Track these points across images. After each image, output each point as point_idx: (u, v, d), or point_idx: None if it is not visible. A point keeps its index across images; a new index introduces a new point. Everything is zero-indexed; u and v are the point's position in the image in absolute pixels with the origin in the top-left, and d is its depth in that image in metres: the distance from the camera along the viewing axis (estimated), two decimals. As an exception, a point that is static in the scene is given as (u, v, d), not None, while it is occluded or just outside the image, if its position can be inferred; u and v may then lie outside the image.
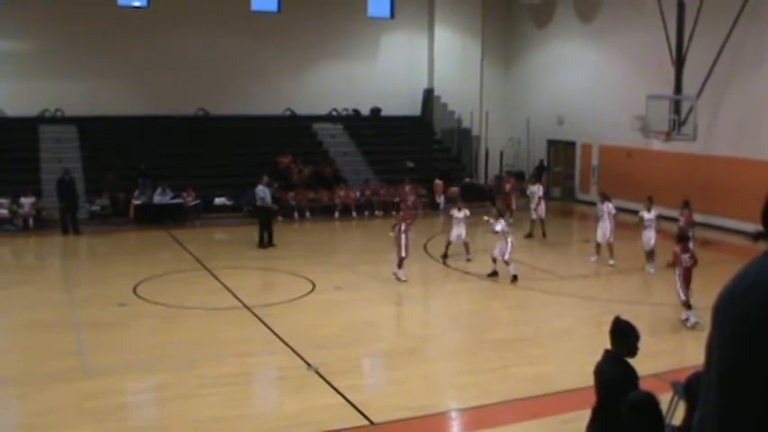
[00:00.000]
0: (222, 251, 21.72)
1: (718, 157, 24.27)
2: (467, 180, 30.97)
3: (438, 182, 29.06)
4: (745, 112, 23.54)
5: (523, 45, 34.29)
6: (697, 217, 20.61)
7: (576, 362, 11.30)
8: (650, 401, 5.46)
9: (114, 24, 29.01)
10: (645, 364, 6.99)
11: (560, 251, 22.37)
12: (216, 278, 17.62)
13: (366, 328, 14.26)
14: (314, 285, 16.95)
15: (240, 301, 15.55)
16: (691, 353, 12.18)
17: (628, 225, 20.63)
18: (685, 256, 13.98)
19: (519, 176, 30.83)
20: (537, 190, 23.33)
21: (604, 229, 19.50)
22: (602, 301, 16.36)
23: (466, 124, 32.95)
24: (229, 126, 29.66)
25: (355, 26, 32.86)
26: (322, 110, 32.17)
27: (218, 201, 26.63)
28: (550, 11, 32.37)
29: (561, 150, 32.55)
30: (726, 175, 23.87)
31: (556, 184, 32.24)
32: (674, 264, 14.37)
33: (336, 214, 27.03)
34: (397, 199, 27.47)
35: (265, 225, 21.48)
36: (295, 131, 30.94)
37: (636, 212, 19.57)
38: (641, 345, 6.50)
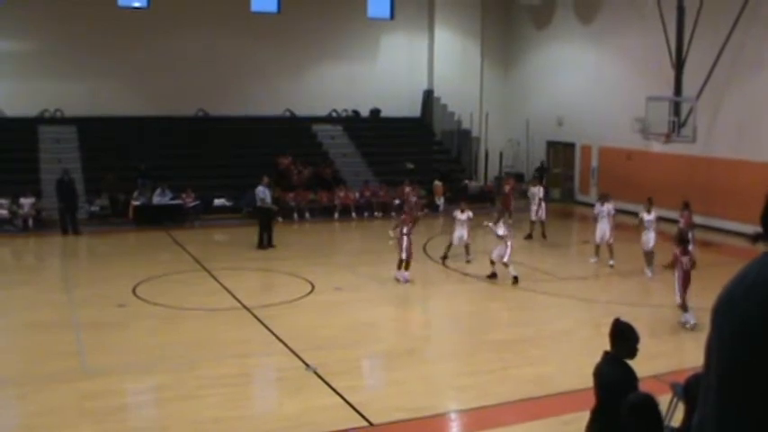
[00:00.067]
0: (221, 252, 21.72)
1: (718, 158, 24.28)
2: (466, 182, 30.98)
3: (437, 183, 29.07)
4: (744, 114, 23.55)
5: (523, 46, 34.30)
6: (697, 219, 20.62)
7: (575, 363, 11.30)
8: (649, 403, 5.46)
9: (114, 25, 29.02)
10: (644, 365, 7.00)
11: (560, 252, 22.38)
12: (215, 279, 17.62)
13: (365, 329, 14.26)
14: (313, 286, 16.95)
15: (239, 302, 15.55)
16: (690, 354, 12.19)
17: (627, 226, 20.63)
18: (685, 259, 13.98)
19: (518, 178, 30.86)
20: (538, 191, 23.31)
21: (603, 231, 19.51)
22: (601, 303, 16.38)
23: (465, 125, 32.96)
24: (229, 127, 29.67)
25: (355, 27, 32.86)
26: (322, 111, 32.17)
27: (218, 202, 26.63)
28: (550, 12, 32.38)
29: (561, 152, 32.55)
30: (725, 177, 23.88)
31: (555, 185, 32.23)
32: (672, 265, 14.36)
33: (336, 215, 27.03)
34: (397, 201, 27.44)
35: (265, 226, 21.48)
36: (295, 132, 30.95)
37: (636, 214, 19.57)
38: (641, 346, 6.51)
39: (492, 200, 28.91)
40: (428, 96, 33.84)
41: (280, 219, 24.31)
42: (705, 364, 1.95)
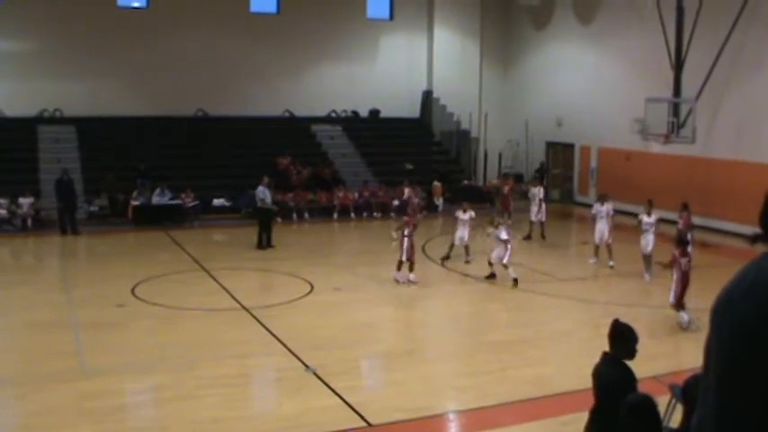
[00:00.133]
0: (221, 252, 21.71)
1: (717, 159, 24.30)
2: (465, 182, 30.99)
3: (437, 183, 29.07)
4: (744, 115, 23.56)
5: (522, 47, 34.31)
6: (696, 220, 20.62)
7: (574, 364, 11.29)
8: (648, 404, 5.46)
9: (113, 25, 29.01)
10: (643, 366, 7.01)
11: (559, 253, 22.38)
12: (214, 279, 17.62)
13: (364, 329, 14.27)
14: (312, 286, 16.95)
15: (238, 302, 15.55)
16: (689, 355, 12.19)
17: (626, 227, 20.63)
18: (684, 260, 13.99)
19: (518, 178, 30.87)
20: (538, 192, 23.30)
21: (602, 231, 19.50)
22: (600, 304, 16.39)
23: (465, 126, 32.97)
24: (228, 127, 29.67)
25: (354, 27, 32.87)
26: (321, 111, 32.17)
27: (217, 202, 26.62)
28: (549, 13, 32.39)
29: (560, 152, 32.56)
30: (725, 178, 23.89)
31: (554, 186, 32.25)
32: (670, 265, 14.38)
33: (335, 215, 27.02)
34: (396, 202, 27.46)
35: (265, 226, 21.48)
36: (294, 133, 30.96)
37: (635, 215, 19.54)
38: (639, 347, 6.52)
39: (491, 200, 28.90)
40: (427, 97, 33.85)
41: (279, 219, 24.30)
42: (704, 364, 1.96)
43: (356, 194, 27.89)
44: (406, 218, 18.38)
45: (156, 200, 25.41)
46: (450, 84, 32.95)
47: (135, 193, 25.35)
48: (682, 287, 13.85)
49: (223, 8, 30.46)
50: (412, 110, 33.80)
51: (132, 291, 16.30)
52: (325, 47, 32.06)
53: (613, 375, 6.31)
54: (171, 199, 25.55)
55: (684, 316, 13.78)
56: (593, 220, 19.99)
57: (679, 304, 13.87)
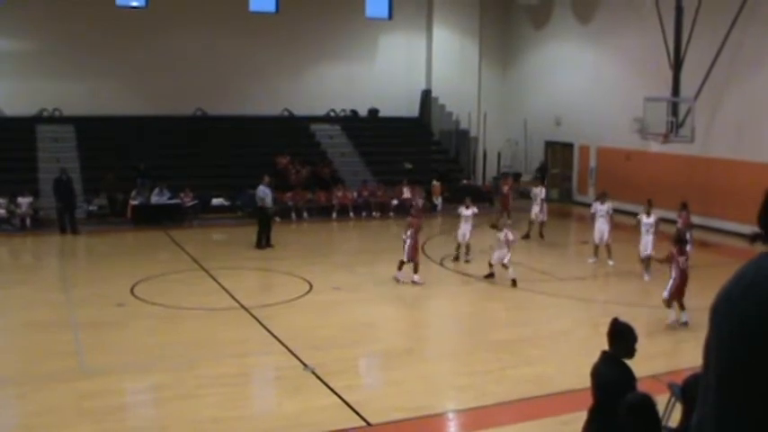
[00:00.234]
0: (220, 252, 21.70)
1: (716, 158, 24.31)
2: (464, 181, 30.99)
3: (436, 183, 29.07)
4: (743, 114, 23.57)
5: (521, 46, 34.32)
6: (695, 219, 20.60)
7: (573, 363, 11.30)
8: (647, 403, 5.47)
9: (113, 24, 29.01)
10: (642, 365, 7.01)
11: (558, 253, 22.39)
12: (214, 279, 17.61)
13: (364, 328, 14.27)
14: (311, 286, 16.95)
15: (238, 301, 15.55)
16: (688, 354, 12.19)
17: (625, 226, 20.63)
18: (682, 258, 14.00)
19: (516, 177, 30.87)
20: (540, 192, 23.30)
21: (602, 230, 19.50)
22: (599, 303, 16.41)
23: (464, 125, 32.98)
24: (228, 126, 29.67)
25: (353, 27, 32.86)
26: (320, 110, 32.17)
27: (216, 201, 26.60)
28: (548, 12, 32.40)
29: (559, 152, 32.57)
30: (724, 177, 23.89)
31: (554, 185, 32.24)
32: (668, 260, 14.42)
33: (334, 215, 27.01)
34: (395, 201, 27.48)
35: (264, 226, 21.47)
36: (293, 132, 30.95)
37: (635, 214, 19.53)
38: (639, 346, 6.52)
39: (490, 200, 28.90)
40: (426, 96, 33.84)
41: (278, 218, 24.28)
42: (704, 363, 1.96)
43: (355, 194, 27.88)
44: (409, 218, 18.28)
45: (155, 199, 25.40)
46: (449, 83, 32.95)
47: (134, 193, 25.33)
48: (678, 286, 13.86)
49: (222, 7, 30.45)
50: (411, 109, 33.80)
51: (132, 290, 16.30)
52: (325, 46, 32.06)
53: (612, 374, 6.31)
54: (170, 198, 25.54)
55: (672, 315, 13.86)
56: (593, 218, 19.98)
57: (670, 302, 13.91)
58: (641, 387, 6.29)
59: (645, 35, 25.84)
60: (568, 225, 28.27)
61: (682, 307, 13.96)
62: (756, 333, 1.78)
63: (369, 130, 32.36)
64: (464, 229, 19.43)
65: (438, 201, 28.54)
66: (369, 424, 9.59)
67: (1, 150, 25.67)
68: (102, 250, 22.15)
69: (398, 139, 32.23)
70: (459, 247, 19.61)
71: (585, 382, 6.53)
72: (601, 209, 19.68)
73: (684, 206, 19.65)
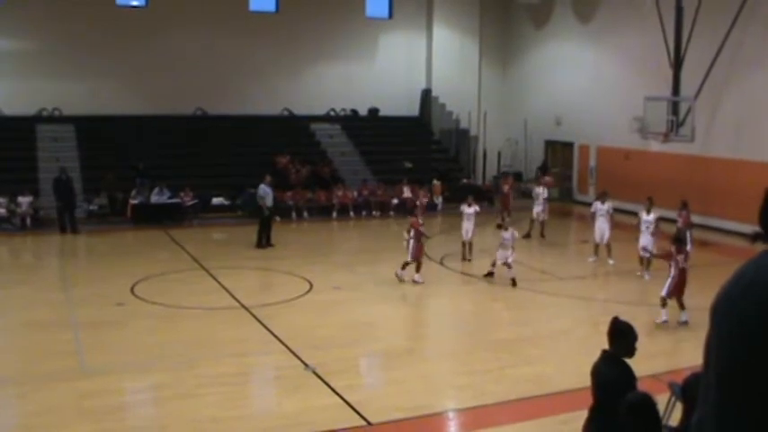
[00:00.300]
0: (220, 251, 21.70)
1: (717, 158, 24.30)
2: (464, 181, 30.99)
3: (436, 182, 29.06)
4: (743, 113, 23.57)
5: (521, 45, 34.31)
6: (695, 218, 20.60)
7: (573, 362, 11.29)
8: (648, 402, 5.46)
9: (112, 24, 29.00)
10: (642, 364, 7.00)
11: (558, 252, 22.40)
12: (213, 278, 17.61)
13: (364, 328, 14.27)
14: (311, 285, 16.95)
15: (238, 301, 15.55)
16: (688, 354, 12.19)
17: (626, 226, 20.61)
18: (681, 257, 13.99)
19: (517, 177, 30.87)
20: (542, 191, 23.32)
21: (602, 230, 19.49)
22: (599, 302, 16.42)
23: (464, 125, 32.97)
24: (227, 126, 29.65)
25: (353, 26, 32.86)
26: (320, 110, 32.17)
27: (216, 200, 26.60)
28: (548, 11, 32.39)
29: (559, 151, 32.57)
30: (724, 177, 23.89)
31: (554, 184, 32.21)
32: (664, 258, 14.44)
33: (334, 214, 27.00)
34: (395, 200, 27.48)
35: (265, 225, 21.46)
36: (293, 131, 30.95)
37: (635, 214, 19.51)
38: (639, 345, 6.51)
39: (490, 199, 28.89)
40: (426, 95, 33.84)
41: (278, 218, 24.27)
42: (704, 362, 1.96)
43: (355, 193, 27.88)
44: (412, 219, 18.17)
45: (155, 199, 25.40)
46: (449, 82, 32.94)
47: (134, 192, 25.33)
48: (676, 284, 13.86)
49: (222, 7, 30.45)
50: (411, 108, 33.80)
51: (132, 290, 16.30)
52: (325, 45, 32.06)
53: (612, 374, 6.30)
54: (170, 198, 25.53)
55: (663, 315, 13.88)
56: (593, 218, 19.97)
57: (667, 300, 13.91)
58: (641, 386, 6.29)
59: (645, 34, 25.83)
60: (568, 224, 28.27)
61: (681, 306, 13.97)
62: (756, 332, 1.78)
63: (369, 130, 32.35)
64: (466, 227, 19.43)
65: (438, 200, 28.52)
66: (369, 423, 9.58)
67: (1, 150, 25.66)
68: (102, 250, 22.15)
69: (398, 138, 32.22)
70: (464, 245, 19.60)
71: (585, 381, 6.53)
72: (601, 208, 19.67)
73: (685, 205, 19.65)
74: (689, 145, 23.75)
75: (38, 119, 28.15)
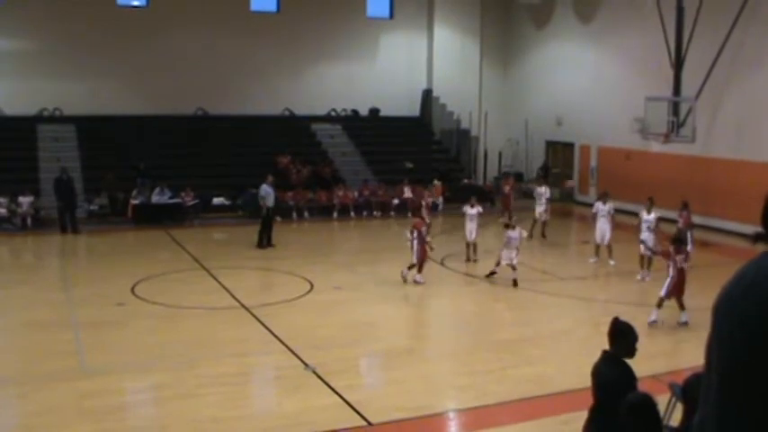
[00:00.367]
0: (220, 251, 21.71)
1: (717, 158, 24.29)
2: (465, 181, 30.99)
3: (437, 182, 29.06)
4: (744, 114, 23.56)
5: (522, 46, 34.31)
6: (696, 219, 20.58)
7: (574, 363, 11.29)
8: (648, 403, 5.46)
9: (113, 24, 29.02)
10: (642, 365, 7.00)
11: (559, 252, 22.40)
12: (214, 278, 17.61)
13: (364, 328, 14.27)
14: (312, 285, 16.95)
15: (238, 301, 15.55)
16: (688, 354, 12.19)
17: (626, 226, 20.60)
18: (679, 257, 13.98)
19: (518, 177, 30.87)
20: (545, 192, 23.33)
21: (603, 230, 19.47)
22: (600, 303, 16.41)
23: (465, 125, 32.97)
24: (228, 126, 29.67)
25: (354, 26, 32.86)
26: (321, 110, 32.18)
27: (217, 201, 26.61)
28: (549, 11, 32.39)
29: (560, 151, 32.57)
30: (725, 177, 23.88)
31: (554, 185, 32.21)
32: (662, 255, 14.44)
33: (335, 214, 27.01)
34: (396, 200, 27.48)
35: (267, 226, 21.46)
36: (294, 132, 30.96)
37: (635, 214, 19.49)
38: (639, 346, 6.51)
39: (491, 199, 28.88)
40: (427, 95, 33.84)
41: (278, 218, 24.26)
42: (706, 363, 1.96)
43: (356, 193, 27.88)
44: (416, 220, 18.04)
45: (155, 199, 25.41)
46: (450, 82, 32.95)
47: (135, 192, 25.34)
48: (675, 284, 13.84)
49: (223, 7, 30.46)
50: (412, 109, 33.80)
51: (132, 290, 16.30)
52: (325, 46, 32.06)
53: (613, 374, 6.30)
54: (171, 198, 25.54)
55: (654, 314, 13.88)
56: (594, 218, 19.95)
57: (664, 300, 13.90)
58: (642, 387, 6.28)
59: (646, 35, 25.83)
60: (569, 225, 28.28)
61: (681, 307, 13.96)
62: (756, 333, 1.78)
63: (370, 130, 32.36)
64: (470, 228, 19.40)
65: (439, 200, 28.51)
66: (369, 423, 9.58)
67: (2, 150, 25.67)
68: (102, 250, 22.16)
69: (399, 138, 32.22)
70: (468, 246, 19.57)
71: (586, 381, 6.53)
72: (602, 209, 19.65)
73: (685, 206, 19.63)
74: (690, 145, 23.74)
75: (39, 119, 28.17)
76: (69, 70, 28.44)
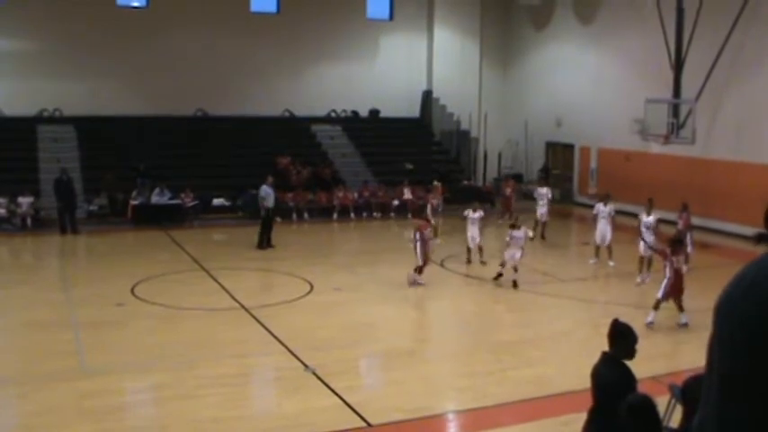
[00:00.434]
0: (220, 252, 21.70)
1: (717, 160, 24.29)
2: (465, 182, 30.98)
3: (437, 183, 29.02)
4: (743, 115, 23.56)
5: (522, 47, 34.32)
6: (695, 220, 20.57)
7: (574, 364, 11.28)
8: (648, 404, 5.47)
9: (113, 24, 29.02)
10: (642, 366, 7.00)
11: (560, 253, 22.40)
12: (214, 279, 17.61)
13: (364, 329, 14.27)
14: (312, 286, 16.95)
15: (238, 302, 15.55)
16: (688, 356, 12.19)
17: (626, 227, 20.61)
18: (676, 258, 13.96)
19: (517, 178, 30.87)
20: (546, 193, 23.32)
21: (604, 232, 19.45)
22: (600, 304, 16.40)
23: (464, 126, 32.97)
24: (228, 127, 29.67)
25: (354, 27, 32.87)
26: (321, 111, 32.17)
27: (217, 201, 26.61)
28: (549, 12, 32.40)
29: (560, 153, 32.57)
30: (724, 179, 23.89)
31: (554, 186, 32.20)
32: (659, 254, 14.45)
33: (335, 215, 27.00)
34: (396, 202, 27.48)
35: (267, 226, 21.45)
36: (294, 132, 30.96)
37: (635, 215, 19.47)
38: (639, 347, 6.51)
39: (491, 201, 28.86)
40: (427, 97, 33.85)
41: (278, 219, 24.26)
42: (707, 363, 1.96)
43: (356, 194, 27.88)
44: (419, 221, 17.95)
45: (155, 199, 25.41)
46: (449, 84, 32.95)
47: (134, 193, 25.35)
48: (673, 285, 13.84)
49: (223, 8, 30.46)
50: (412, 110, 33.81)
51: (132, 290, 16.30)
52: (325, 47, 32.06)
53: (612, 376, 6.31)
54: (170, 198, 25.54)
55: (651, 316, 13.87)
56: (594, 219, 19.92)
57: (661, 302, 13.91)
58: (641, 388, 6.29)
59: (646, 36, 25.84)
60: (569, 226, 28.28)
61: (680, 308, 13.97)
62: (756, 333, 1.78)
63: (369, 131, 32.37)
64: (473, 233, 19.32)
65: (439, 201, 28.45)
66: (369, 425, 9.58)
67: (1, 150, 25.66)
68: (102, 250, 22.16)
69: (399, 139, 32.23)
70: (469, 250, 19.53)
71: (586, 382, 6.53)
72: (603, 210, 19.62)
73: (685, 207, 19.62)
74: (689, 147, 23.75)
75: (38, 119, 28.17)
76: (69, 71, 28.44)
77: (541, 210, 23.10)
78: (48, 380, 10.99)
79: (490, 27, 34.09)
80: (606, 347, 6.49)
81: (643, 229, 17.88)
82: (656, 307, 13.98)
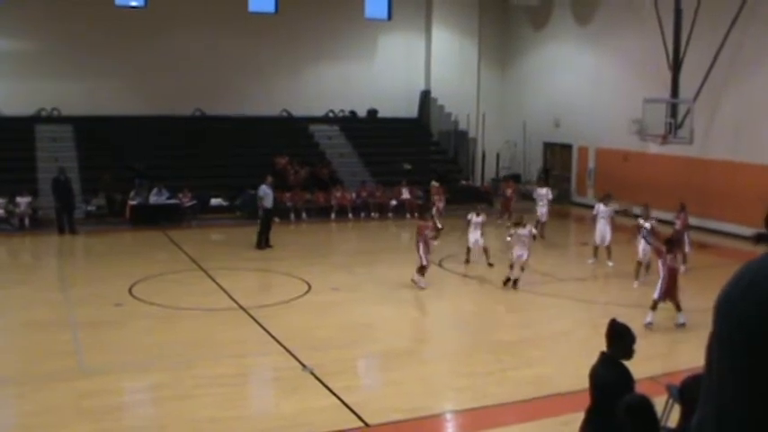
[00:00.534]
0: (218, 252, 21.69)
1: (715, 160, 24.31)
2: (463, 182, 30.99)
3: (435, 184, 29.03)
4: (742, 115, 23.58)
5: (520, 47, 34.33)
6: (693, 220, 20.56)
7: (573, 364, 11.28)
8: (645, 404, 5.47)
9: (111, 24, 29.00)
10: (640, 366, 7.00)
11: (558, 253, 22.40)
12: (212, 279, 17.61)
13: (362, 329, 14.26)
14: (310, 286, 16.94)
15: (236, 302, 15.54)
16: (686, 356, 12.20)
17: (625, 228, 20.61)
18: (670, 257, 13.95)
19: (515, 179, 30.87)
20: (546, 193, 23.32)
21: (603, 232, 19.42)
22: (600, 304, 16.39)
23: (462, 126, 32.98)
24: (226, 127, 29.66)
25: (352, 27, 32.86)
26: (319, 111, 32.16)
27: (215, 201, 26.60)
28: (547, 13, 32.41)
29: (558, 153, 32.59)
30: (722, 179, 23.90)
31: (552, 186, 32.18)
32: (657, 253, 14.48)
33: (333, 216, 27.00)
34: (394, 202, 27.49)
35: (266, 226, 21.45)
36: (292, 132, 30.95)
37: (635, 216, 19.44)
38: (637, 347, 6.52)
39: (489, 201, 28.86)
40: (425, 97, 33.86)
41: (276, 219, 24.25)
42: (706, 363, 1.96)
43: (354, 194, 27.88)
44: (421, 222, 17.91)
45: (153, 199, 25.39)
46: (448, 84, 32.96)
47: (132, 193, 25.33)
48: (668, 285, 13.84)
49: (221, 8, 30.45)
50: (410, 110, 33.81)
51: (130, 290, 16.29)
52: (324, 47, 32.06)
53: (610, 376, 6.31)
54: (168, 198, 25.53)
55: (649, 316, 13.87)
56: (594, 220, 19.90)
57: (658, 303, 13.92)
58: (639, 388, 6.29)
59: (644, 36, 25.86)
60: (567, 226, 28.28)
61: (678, 308, 13.98)
62: (756, 333, 1.78)
63: (368, 131, 32.36)
64: (475, 236, 19.20)
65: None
66: (367, 425, 9.58)
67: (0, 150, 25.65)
68: (100, 250, 22.15)
69: (397, 139, 32.23)
70: (469, 251, 19.47)
71: (586, 382, 6.54)
72: (603, 210, 19.58)
73: (683, 207, 19.60)
74: (687, 147, 23.76)
75: (37, 119, 28.15)
76: (67, 70, 28.42)
77: (542, 210, 23.11)
78: (46, 380, 10.98)
79: (488, 27, 34.09)
80: (605, 347, 6.50)
81: (644, 234, 17.81)
82: (654, 307, 13.99)
